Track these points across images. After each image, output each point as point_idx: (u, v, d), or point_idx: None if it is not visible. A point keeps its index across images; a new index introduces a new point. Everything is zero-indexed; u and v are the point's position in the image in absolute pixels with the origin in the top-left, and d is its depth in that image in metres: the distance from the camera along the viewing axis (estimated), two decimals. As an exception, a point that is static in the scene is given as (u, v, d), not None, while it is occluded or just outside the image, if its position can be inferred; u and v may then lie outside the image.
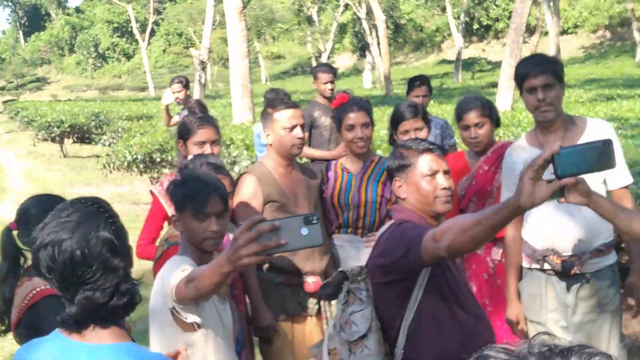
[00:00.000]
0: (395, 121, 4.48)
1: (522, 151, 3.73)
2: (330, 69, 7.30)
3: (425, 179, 2.95)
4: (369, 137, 4.26)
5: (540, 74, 3.51)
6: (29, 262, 2.96)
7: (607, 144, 2.13)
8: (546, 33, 35.52)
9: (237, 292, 3.94)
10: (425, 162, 2.96)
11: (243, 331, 3.92)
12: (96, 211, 1.97)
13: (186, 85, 9.05)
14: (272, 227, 1.99)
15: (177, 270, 2.69)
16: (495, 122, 4.42)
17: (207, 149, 4.08)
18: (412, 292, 2.83)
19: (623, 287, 3.74)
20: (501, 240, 3.90)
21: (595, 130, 3.58)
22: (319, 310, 4.12)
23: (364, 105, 4.32)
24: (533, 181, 2.10)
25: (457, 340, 2.85)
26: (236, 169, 9.18)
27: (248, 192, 3.97)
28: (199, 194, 2.89)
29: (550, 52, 32.89)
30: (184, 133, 4.17)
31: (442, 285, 2.87)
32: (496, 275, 4.22)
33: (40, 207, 3.06)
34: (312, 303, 4.08)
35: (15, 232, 3.10)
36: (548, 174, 2.14)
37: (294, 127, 4.00)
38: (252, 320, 3.96)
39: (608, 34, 47.67)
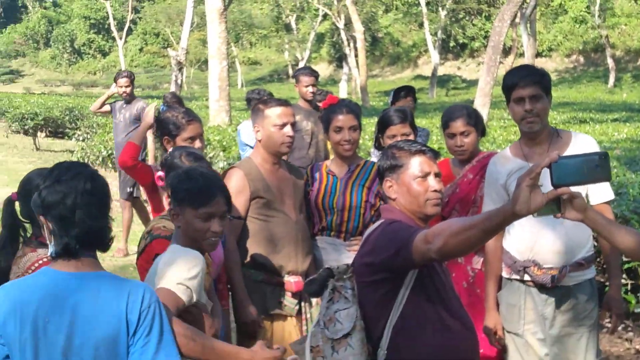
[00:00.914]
0: (383, 125, 4.47)
1: (506, 161, 3.75)
2: (312, 72, 7.30)
3: (417, 180, 2.95)
4: (356, 140, 4.26)
5: (528, 85, 3.52)
6: (29, 234, 3.18)
7: (604, 156, 2.14)
8: (521, 54, 35.88)
9: (220, 286, 3.91)
10: (417, 164, 2.97)
11: (225, 326, 3.89)
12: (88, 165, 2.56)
13: (133, 80, 8.98)
14: None
15: (186, 271, 2.70)
16: (481, 132, 4.44)
17: (197, 144, 4.07)
18: (399, 293, 2.82)
19: (601, 303, 3.77)
20: (482, 249, 3.92)
21: (580, 144, 3.60)
22: (299, 310, 4.09)
23: (354, 108, 4.31)
24: (530, 188, 2.10)
25: (441, 343, 2.85)
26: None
27: (235, 186, 3.93)
28: (205, 192, 2.87)
29: (525, 73, 33.16)
30: (171, 129, 4.09)
31: (429, 288, 2.87)
32: (475, 284, 4.23)
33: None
34: (292, 303, 4.05)
35: (16, 203, 3.16)
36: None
37: (284, 124, 3.99)
38: (237, 316, 3.92)
39: (582, 59, 48.32)
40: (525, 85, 3.53)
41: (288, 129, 4.00)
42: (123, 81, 8.83)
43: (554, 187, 2.12)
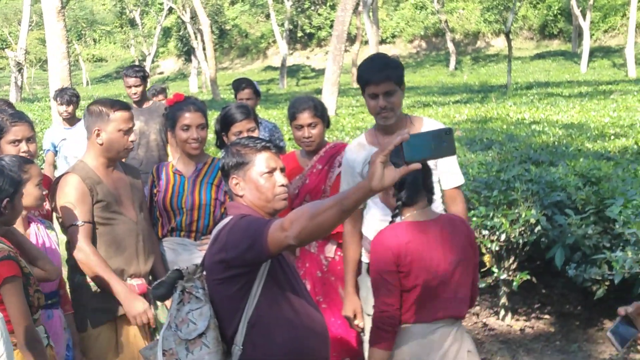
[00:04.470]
0: (227, 123, 4.43)
1: (361, 149, 3.83)
2: (137, 72, 7.07)
3: (264, 176, 2.99)
4: (204, 139, 4.22)
5: (382, 81, 3.59)
6: None
7: (449, 132, 2.27)
8: (366, 42, 36.74)
9: (62, 292, 3.85)
10: (263, 160, 3.01)
11: (73, 333, 3.78)
12: None
13: None
14: None
15: None
16: (327, 123, 4.53)
17: (23, 147, 3.94)
18: (252, 287, 2.84)
19: None
20: (335, 237, 4.02)
21: (430, 128, 3.75)
22: None
23: (201, 105, 4.26)
24: (383, 165, 2.20)
25: (296, 334, 2.89)
26: (56, 173, 8.90)
27: (76, 192, 3.79)
28: None
29: (371, 60, 34.05)
30: None
31: (281, 281, 2.91)
32: (330, 272, 4.30)
33: None
34: None
35: None
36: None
37: (129, 129, 3.90)
38: (127, 310, 3.80)
39: (424, 44, 50.02)
40: (379, 82, 3.60)
41: (132, 135, 3.92)
42: None
43: (406, 163, 2.22)
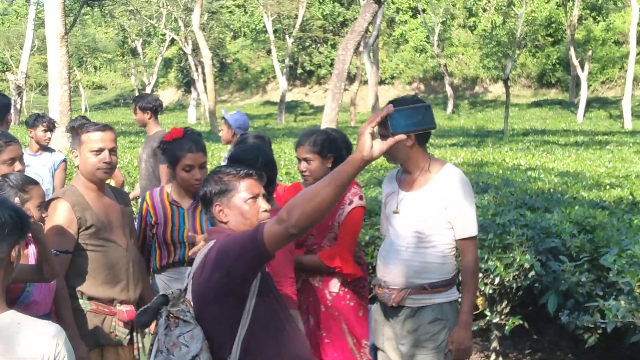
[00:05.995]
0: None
1: (388, 183, 4.08)
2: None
3: (248, 202, 3.09)
4: (204, 176, 4.22)
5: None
6: None
7: (428, 107, 2.50)
8: (365, 82, 37.05)
9: (53, 316, 3.79)
10: (246, 186, 3.10)
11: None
12: None
13: None
14: None
15: None
16: (337, 158, 4.32)
17: (17, 166, 3.98)
18: (245, 306, 2.87)
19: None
20: (340, 274, 4.09)
21: (444, 173, 3.82)
22: (130, 340, 3.98)
23: (201, 143, 4.23)
24: (371, 136, 2.35)
25: (286, 349, 2.94)
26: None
27: (62, 219, 3.78)
28: None
29: (370, 101, 34.32)
30: None
31: (269, 295, 2.97)
32: (334, 307, 4.25)
33: None
34: (124, 333, 3.92)
35: None
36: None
37: (100, 150, 3.86)
38: None
39: (422, 87, 50.45)
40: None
41: (104, 155, 3.88)
42: None
43: (393, 135, 2.39)
